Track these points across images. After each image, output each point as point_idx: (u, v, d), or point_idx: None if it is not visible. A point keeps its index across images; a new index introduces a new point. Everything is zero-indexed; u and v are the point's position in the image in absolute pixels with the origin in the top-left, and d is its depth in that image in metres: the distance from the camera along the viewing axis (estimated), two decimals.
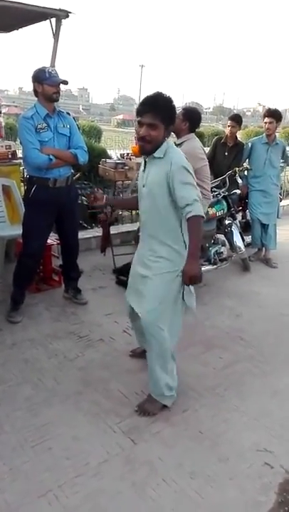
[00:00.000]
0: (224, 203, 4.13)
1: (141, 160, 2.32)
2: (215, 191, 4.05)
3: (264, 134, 4.59)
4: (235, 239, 4.20)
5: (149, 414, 2.32)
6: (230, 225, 4.23)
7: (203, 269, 3.78)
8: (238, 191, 4.41)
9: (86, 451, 2.07)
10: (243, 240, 4.38)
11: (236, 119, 4.63)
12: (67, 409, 2.35)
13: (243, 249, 4.27)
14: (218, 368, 2.81)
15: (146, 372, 2.40)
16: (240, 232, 4.33)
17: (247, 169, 4.47)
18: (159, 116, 2.02)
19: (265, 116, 4.55)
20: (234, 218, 4.35)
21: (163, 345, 2.23)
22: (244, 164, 4.58)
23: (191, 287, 2.25)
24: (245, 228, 4.74)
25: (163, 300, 2.19)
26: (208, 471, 2.00)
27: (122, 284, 3.93)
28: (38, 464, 1.98)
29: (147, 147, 2.09)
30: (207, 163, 3.50)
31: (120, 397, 2.46)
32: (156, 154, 2.10)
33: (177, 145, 3.25)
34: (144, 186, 2.18)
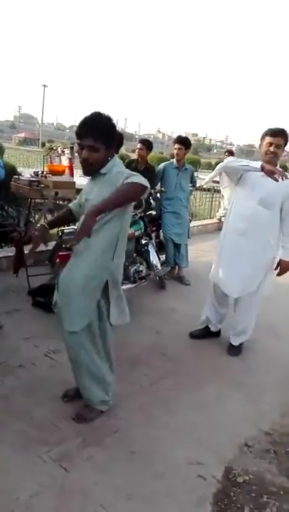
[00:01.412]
0: (141, 223, 4.23)
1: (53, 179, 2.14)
2: (132, 212, 4.13)
3: (174, 160, 4.86)
4: (152, 257, 4.31)
5: (86, 420, 2.34)
6: (146, 244, 4.34)
7: (123, 287, 3.82)
8: (153, 212, 4.55)
9: (15, 485, 1.91)
10: (159, 258, 4.51)
11: (145, 144, 4.79)
12: None
13: (160, 268, 4.40)
14: (144, 385, 2.82)
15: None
16: (156, 251, 4.45)
17: (161, 191, 4.66)
18: (99, 138, 2.01)
19: (175, 143, 4.83)
20: (150, 238, 4.47)
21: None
22: (157, 187, 4.76)
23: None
24: (159, 248, 4.89)
25: (82, 311, 2.20)
26: (145, 491, 1.97)
27: (40, 305, 3.78)
28: None
29: (90, 168, 2.10)
30: None
31: (47, 424, 2.33)
32: (102, 171, 2.10)
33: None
34: (86, 201, 2.18)
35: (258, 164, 2.87)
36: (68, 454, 2.13)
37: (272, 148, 2.96)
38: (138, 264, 4.09)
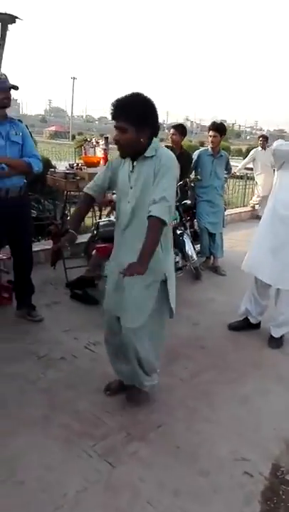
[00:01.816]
0: (177, 213, 4.17)
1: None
2: None
3: (209, 146, 4.74)
4: (187, 248, 4.25)
5: (135, 401, 2.44)
6: (182, 235, 4.28)
7: None
8: (188, 201, 4.48)
9: (62, 480, 1.93)
10: (194, 248, 4.44)
11: (179, 129, 4.65)
12: (36, 436, 2.18)
13: (195, 258, 4.34)
14: (184, 378, 2.79)
15: None
16: (191, 241, 4.39)
17: (197, 180, 4.57)
18: (128, 119, 1.96)
19: (209, 129, 4.71)
20: (185, 228, 4.41)
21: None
22: (193, 175, 4.67)
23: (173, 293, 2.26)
24: (194, 238, 4.82)
25: (148, 308, 2.19)
26: (191, 487, 1.96)
27: (78, 298, 3.81)
28: (12, 501, 1.81)
29: (122, 151, 2.08)
30: None
31: (91, 417, 2.34)
32: (147, 153, 2.04)
33: None
34: (131, 188, 2.09)
35: None
36: (113, 448, 2.14)
37: None
38: (174, 255, 4.03)
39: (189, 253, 4.25)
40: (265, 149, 7.63)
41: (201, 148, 4.98)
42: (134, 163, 2.09)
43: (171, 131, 4.67)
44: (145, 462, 2.07)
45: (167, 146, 4.80)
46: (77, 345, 3.08)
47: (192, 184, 4.63)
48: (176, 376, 2.81)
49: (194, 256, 4.31)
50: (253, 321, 3.45)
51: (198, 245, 4.82)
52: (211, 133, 4.62)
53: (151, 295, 2.19)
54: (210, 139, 4.64)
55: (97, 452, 2.10)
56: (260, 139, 7.80)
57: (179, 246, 4.24)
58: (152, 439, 2.23)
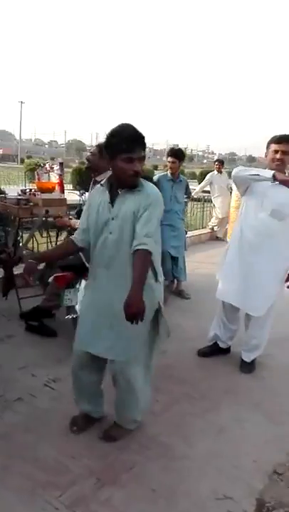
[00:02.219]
0: None
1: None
2: None
3: (168, 172, 4.73)
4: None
5: (116, 440, 2.28)
6: None
7: None
8: None
9: None
10: None
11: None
12: None
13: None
14: (156, 412, 2.59)
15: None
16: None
17: None
18: (143, 149, 1.97)
19: (168, 155, 4.72)
20: None
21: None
22: None
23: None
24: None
25: (139, 335, 2.10)
26: None
27: (34, 330, 3.54)
28: None
29: (137, 180, 2.00)
30: None
31: (55, 464, 2.09)
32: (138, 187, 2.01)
33: (98, 182, 3.17)
34: (113, 219, 2.01)
35: (269, 173, 2.75)
36: (82, 497, 1.89)
37: (278, 156, 2.83)
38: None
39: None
40: (221, 173, 7.80)
41: (160, 173, 4.96)
42: (119, 191, 2.03)
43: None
44: (119, 510, 1.85)
45: None
46: (35, 383, 2.80)
47: None
48: (147, 411, 2.60)
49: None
50: (222, 345, 3.34)
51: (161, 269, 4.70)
52: (170, 159, 4.63)
53: (145, 325, 2.04)
54: (169, 164, 4.64)
55: (64, 503, 1.85)
56: (216, 163, 7.98)
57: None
58: (125, 482, 2.01)
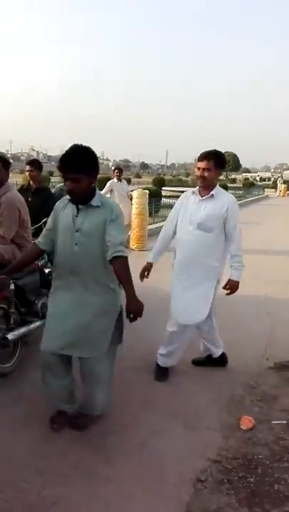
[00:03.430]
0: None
1: None
2: (32, 240, 3.76)
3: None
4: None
5: (86, 428, 2.52)
6: (50, 274, 3.97)
7: (32, 326, 3.42)
8: None
9: None
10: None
11: (35, 164, 4.59)
12: None
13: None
14: (75, 436, 2.48)
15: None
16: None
17: None
18: (80, 170, 2.18)
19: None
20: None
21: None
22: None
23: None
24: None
25: (105, 336, 2.37)
26: None
27: None
28: None
29: (75, 198, 2.28)
30: None
31: None
32: (93, 203, 2.28)
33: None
34: (77, 231, 2.28)
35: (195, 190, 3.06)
36: None
37: (199, 173, 2.97)
38: (45, 297, 3.71)
39: None
40: (120, 181, 7.86)
41: (60, 184, 4.82)
42: (80, 207, 2.30)
43: (28, 167, 4.55)
44: None
45: (23, 186, 4.60)
46: None
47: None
48: (65, 437, 2.49)
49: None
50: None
51: None
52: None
53: (110, 325, 2.39)
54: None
55: None
56: (116, 171, 8.03)
57: (49, 287, 3.93)
58: None
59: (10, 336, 3.05)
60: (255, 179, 60.13)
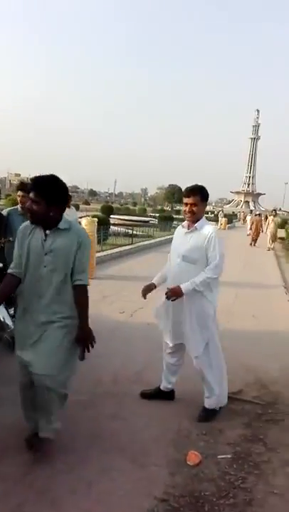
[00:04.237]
0: None
1: None
2: None
3: (18, 206, 4.52)
4: (2, 316, 3.82)
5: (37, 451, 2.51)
6: None
7: None
8: (0, 264, 4.08)
9: None
10: (9, 314, 4.03)
11: None
12: None
13: (12, 326, 3.91)
14: (16, 476, 2.35)
15: None
16: (5, 307, 3.97)
17: (9, 241, 4.23)
18: (40, 194, 2.32)
19: (18, 189, 4.52)
20: None
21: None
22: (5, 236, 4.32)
23: None
24: (7, 302, 4.39)
25: (61, 352, 2.42)
26: None
27: None
28: None
29: (33, 218, 2.41)
30: None
31: None
32: (61, 226, 2.40)
33: None
34: (46, 254, 2.38)
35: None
36: None
37: (188, 208, 3.10)
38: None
39: (4, 321, 3.82)
40: (69, 207, 7.82)
41: (10, 208, 4.70)
42: (47, 232, 2.40)
43: None
44: None
45: None
46: None
47: (2, 245, 4.28)
48: (7, 477, 2.35)
49: (10, 323, 3.90)
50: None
51: (12, 309, 4.41)
52: (20, 193, 4.41)
53: (68, 344, 2.43)
54: (19, 198, 4.43)
55: None
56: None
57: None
58: None
59: None
60: None
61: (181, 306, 3.11)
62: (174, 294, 3.05)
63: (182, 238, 3.18)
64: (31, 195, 2.37)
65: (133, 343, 4.79)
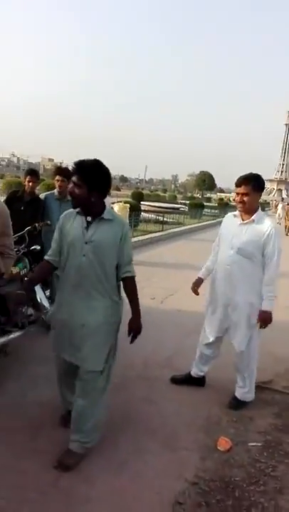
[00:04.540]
0: (26, 261, 3.83)
1: None
2: (15, 248, 3.71)
3: (56, 190, 4.60)
4: (39, 297, 3.92)
5: (71, 468, 2.33)
6: None
7: (11, 336, 3.36)
8: (37, 247, 4.18)
9: None
10: (46, 296, 4.14)
11: (35, 174, 4.58)
12: None
13: (48, 308, 4.02)
14: (52, 453, 2.43)
15: None
16: (42, 289, 4.08)
17: (47, 225, 4.32)
18: (83, 178, 2.28)
19: (56, 174, 4.60)
20: None
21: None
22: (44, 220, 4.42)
23: None
24: (44, 283, 4.51)
25: (106, 347, 2.41)
26: None
27: None
28: None
29: (74, 202, 2.37)
30: None
31: None
32: (105, 216, 2.35)
33: None
34: (86, 243, 2.32)
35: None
36: None
37: (238, 198, 3.03)
38: (25, 307, 3.66)
39: (42, 302, 3.93)
40: (110, 194, 7.88)
41: (47, 192, 4.80)
42: (89, 219, 2.35)
43: (28, 177, 4.51)
44: None
45: (16, 191, 4.57)
46: None
47: (40, 229, 4.37)
48: (42, 453, 2.44)
49: (47, 305, 4.00)
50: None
51: (48, 291, 4.53)
52: (58, 177, 4.50)
53: (113, 336, 2.45)
54: (57, 183, 4.51)
55: None
56: None
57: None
58: None
59: None
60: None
61: (234, 305, 3.09)
62: (267, 320, 3.01)
63: (236, 229, 3.05)
64: (74, 178, 2.32)
65: (164, 328, 4.83)
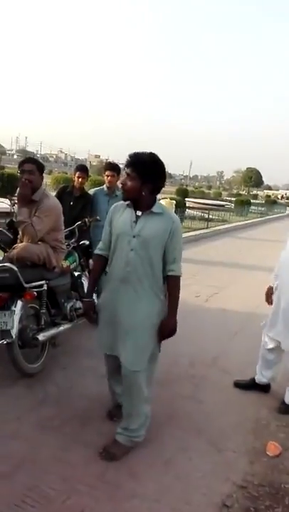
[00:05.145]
0: (76, 255, 3.90)
1: None
2: (65, 242, 3.79)
3: (105, 186, 4.65)
4: (86, 289, 3.97)
5: (117, 459, 2.34)
6: (80, 277, 4.00)
7: (61, 328, 3.43)
8: (86, 242, 4.24)
9: None
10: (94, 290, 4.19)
11: (86, 170, 4.67)
12: None
13: (96, 301, 4.06)
14: (99, 446, 2.46)
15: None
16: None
17: (97, 220, 4.38)
18: (135, 169, 2.23)
19: (106, 169, 4.64)
20: (83, 269, 4.15)
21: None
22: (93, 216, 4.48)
23: None
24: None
25: (149, 347, 2.36)
26: None
27: None
28: None
29: (125, 195, 2.34)
30: None
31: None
32: (154, 210, 2.29)
33: (36, 201, 3.16)
34: (134, 237, 2.27)
35: None
36: None
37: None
38: (74, 300, 3.73)
39: None
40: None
41: (97, 188, 4.86)
42: (138, 213, 2.29)
43: (78, 173, 4.61)
44: None
45: (66, 186, 4.68)
46: None
47: (89, 224, 4.43)
48: (91, 445, 2.46)
49: (95, 299, 4.05)
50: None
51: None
52: (108, 173, 4.55)
53: (155, 335, 2.36)
54: (107, 178, 4.56)
55: None
56: None
57: (77, 289, 3.95)
58: None
59: (40, 336, 3.07)
60: (276, 197, 59.68)
61: None
62: None
63: None
64: (127, 170, 2.26)
65: (208, 328, 4.77)
